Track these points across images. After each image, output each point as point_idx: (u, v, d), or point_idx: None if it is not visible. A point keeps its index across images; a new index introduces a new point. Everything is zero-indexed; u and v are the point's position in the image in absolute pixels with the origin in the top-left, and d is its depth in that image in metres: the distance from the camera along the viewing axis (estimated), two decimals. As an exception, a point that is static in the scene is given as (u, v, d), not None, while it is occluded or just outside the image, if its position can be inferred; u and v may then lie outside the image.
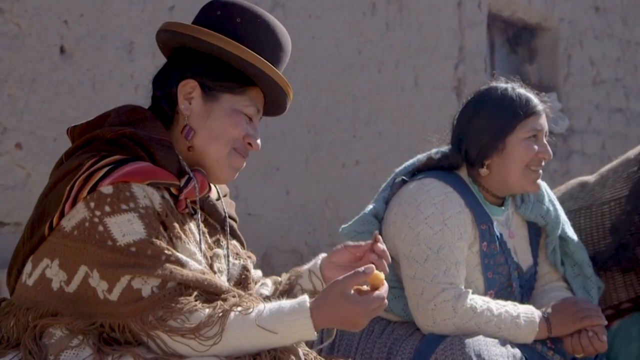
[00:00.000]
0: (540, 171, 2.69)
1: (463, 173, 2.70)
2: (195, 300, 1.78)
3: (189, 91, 1.97)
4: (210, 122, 1.97)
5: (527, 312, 2.57)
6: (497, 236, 2.66)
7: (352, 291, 1.83)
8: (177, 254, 1.82)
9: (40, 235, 1.84)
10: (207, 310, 1.77)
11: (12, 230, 3.95)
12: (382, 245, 2.06)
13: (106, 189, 1.80)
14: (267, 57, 1.98)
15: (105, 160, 1.84)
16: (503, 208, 2.74)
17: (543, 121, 2.67)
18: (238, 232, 2.16)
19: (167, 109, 1.99)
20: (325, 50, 5.53)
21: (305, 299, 1.82)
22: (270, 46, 2.00)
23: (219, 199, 2.12)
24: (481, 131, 2.65)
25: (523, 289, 2.75)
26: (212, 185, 2.09)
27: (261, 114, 2.08)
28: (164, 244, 1.80)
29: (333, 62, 5.58)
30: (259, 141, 2.04)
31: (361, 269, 1.83)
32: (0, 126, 3.95)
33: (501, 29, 7.26)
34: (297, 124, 5.34)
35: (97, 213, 1.79)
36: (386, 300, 1.87)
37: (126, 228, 1.78)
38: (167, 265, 1.78)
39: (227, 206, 2.14)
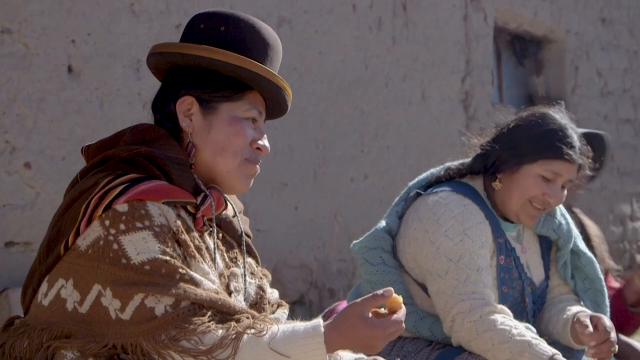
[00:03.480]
0: (544, 211, 2.62)
1: (479, 186, 2.67)
2: (209, 321, 1.76)
3: (187, 108, 1.95)
4: (213, 135, 1.95)
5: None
6: (512, 250, 2.65)
7: (370, 314, 1.81)
8: (192, 273, 1.80)
9: (56, 255, 1.83)
10: (220, 332, 1.76)
11: (21, 249, 3.95)
12: None
13: (121, 207, 1.79)
14: (255, 57, 1.96)
15: (121, 179, 1.83)
16: (514, 223, 2.71)
17: (570, 170, 2.57)
18: (253, 248, 2.14)
19: (172, 129, 1.98)
20: (332, 65, 5.54)
21: (319, 322, 1.80)
22: (257, 47, 1.98)
23: (235, 215, 2.10)
24: (510, 145, 2.60)
25: (535, 304, 2.72)
26: (228, 202, 2.07)
27: (264, 117, 2.04)
28: (178, 263, 1.79)
29: (340, 77, 5.58)
30: (266, 143, 2.01)
31: (380, 291, 1.81)
32: (9, 146, 3.96)
33: (507, 41, 7.26)
34: (305, 139, 5.34)
35: (112, 231, 1.77)
36: (404, 324, 1.85)
37: (141, 246, 1.77)
38: (181, 284, 1.77)
39: (242, 223, 2.13)
